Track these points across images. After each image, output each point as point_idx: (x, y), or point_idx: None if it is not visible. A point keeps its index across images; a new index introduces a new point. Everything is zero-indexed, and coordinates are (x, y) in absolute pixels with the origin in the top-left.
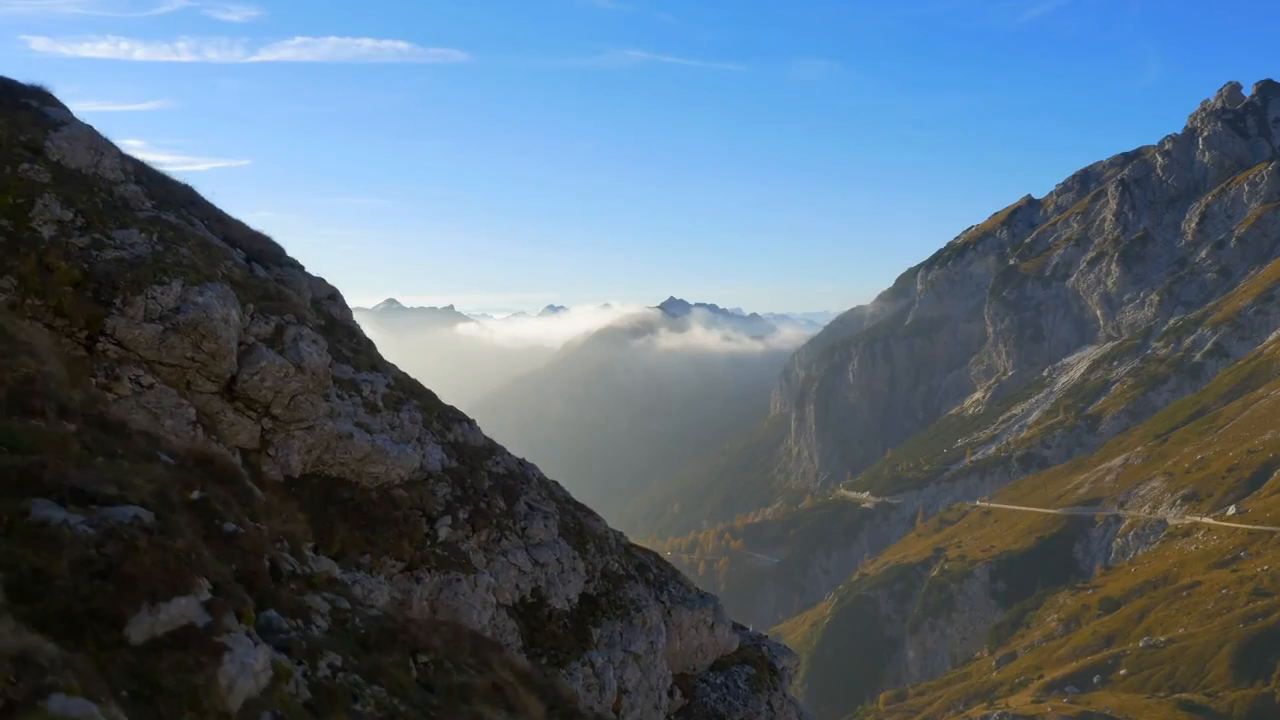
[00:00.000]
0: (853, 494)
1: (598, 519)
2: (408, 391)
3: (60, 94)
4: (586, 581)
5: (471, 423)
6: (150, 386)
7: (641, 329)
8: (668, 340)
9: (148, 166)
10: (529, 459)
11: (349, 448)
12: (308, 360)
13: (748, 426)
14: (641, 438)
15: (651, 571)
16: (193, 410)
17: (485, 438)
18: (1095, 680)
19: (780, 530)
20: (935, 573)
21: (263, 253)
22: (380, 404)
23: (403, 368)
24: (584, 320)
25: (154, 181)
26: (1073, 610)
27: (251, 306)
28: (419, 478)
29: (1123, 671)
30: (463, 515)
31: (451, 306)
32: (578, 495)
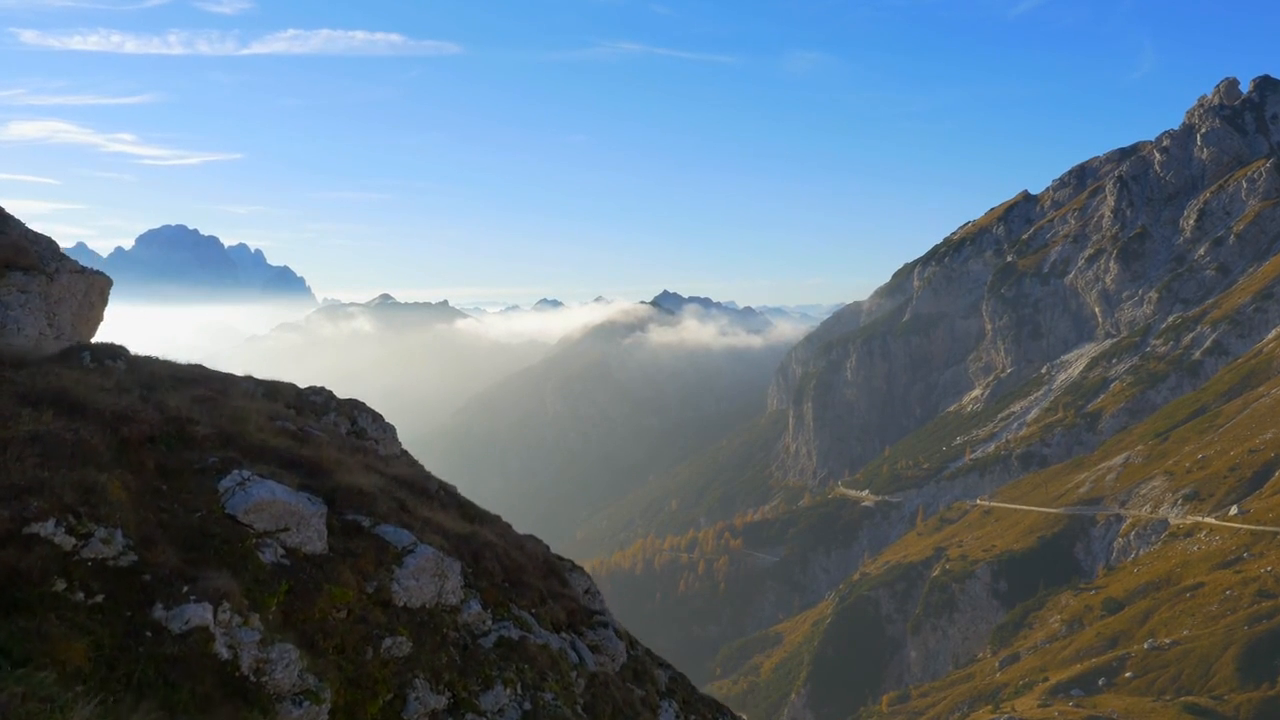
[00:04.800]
0: (852, 492)
1: None
2: (680, 684)
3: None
4: None
5: (726, 710)
6: None
7: (635, 324)
8: (661, 335)
9: (459, 537)
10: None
11: None
12: None
13: (745, 422)
14: (637, 433)
15: None
16: None
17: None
18: (1100, 683)
19: (779, 529)
20: (936, 572)
21: (573, 613)
22: None
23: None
24: (580, 315)
25: (478, 572)
26: (1075, 611)
27: None
28: None
29: (1128, 674)
30: None
31: (446, 302)
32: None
